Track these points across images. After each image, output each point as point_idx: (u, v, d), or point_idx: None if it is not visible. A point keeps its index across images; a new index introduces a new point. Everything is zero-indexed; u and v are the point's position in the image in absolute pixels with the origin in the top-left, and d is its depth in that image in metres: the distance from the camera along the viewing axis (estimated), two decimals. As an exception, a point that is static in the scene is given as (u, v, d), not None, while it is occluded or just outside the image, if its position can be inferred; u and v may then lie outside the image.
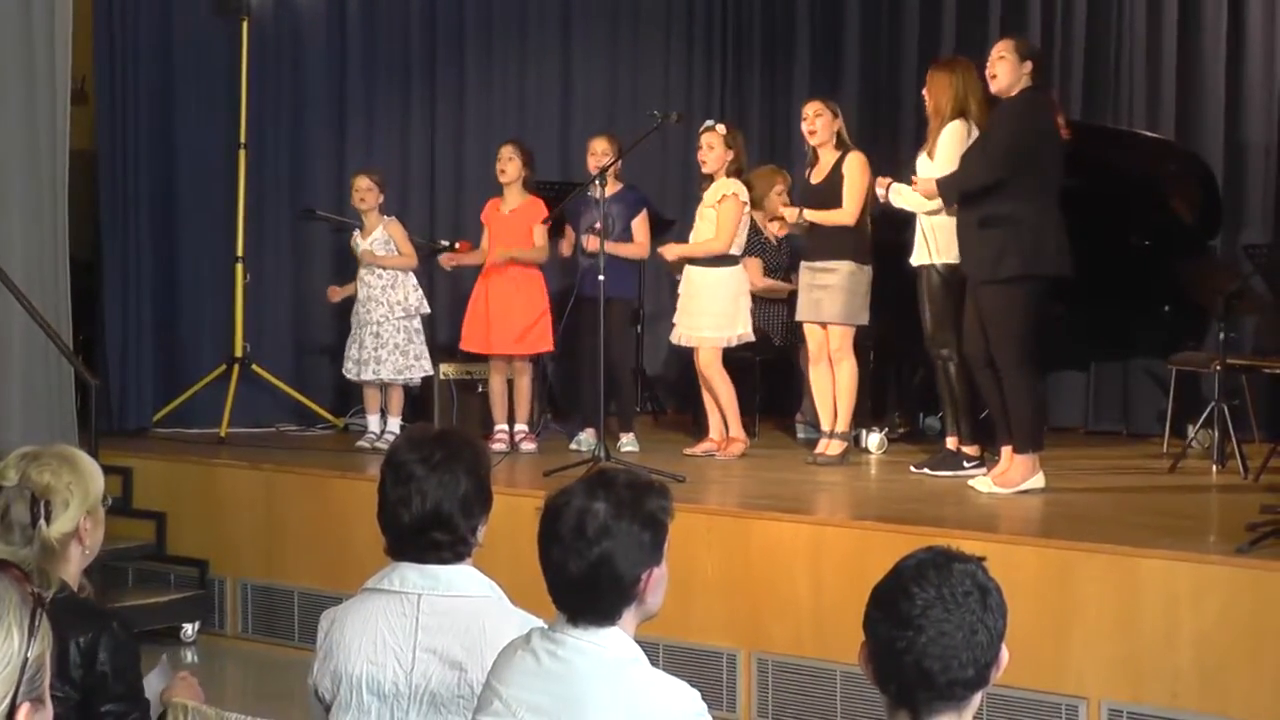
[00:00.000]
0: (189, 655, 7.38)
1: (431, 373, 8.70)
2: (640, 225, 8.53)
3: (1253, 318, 8.94)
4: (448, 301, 9.82)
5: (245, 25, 8.86)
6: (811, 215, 7.81)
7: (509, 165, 8.45)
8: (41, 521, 3.17)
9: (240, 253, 8.87)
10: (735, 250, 8.19)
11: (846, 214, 7.77)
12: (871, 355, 8.64)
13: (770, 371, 9.21)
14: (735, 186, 8.11)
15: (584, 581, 2.81)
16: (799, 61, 11.07)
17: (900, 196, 7.40)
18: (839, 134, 7.92)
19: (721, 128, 8.21)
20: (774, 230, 9.04)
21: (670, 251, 8.30)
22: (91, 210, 8.80)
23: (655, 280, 9.44)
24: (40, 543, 3.17)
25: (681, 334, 8.25)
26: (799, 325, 8.19)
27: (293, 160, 9.39)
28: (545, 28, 10.41)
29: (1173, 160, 8.75)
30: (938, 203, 7.18)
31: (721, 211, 8.07)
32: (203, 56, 8.99)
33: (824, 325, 7.89)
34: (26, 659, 1.86)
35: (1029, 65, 6.87)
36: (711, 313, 8.13)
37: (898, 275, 7.81)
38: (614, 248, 8.21)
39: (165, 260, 8.97)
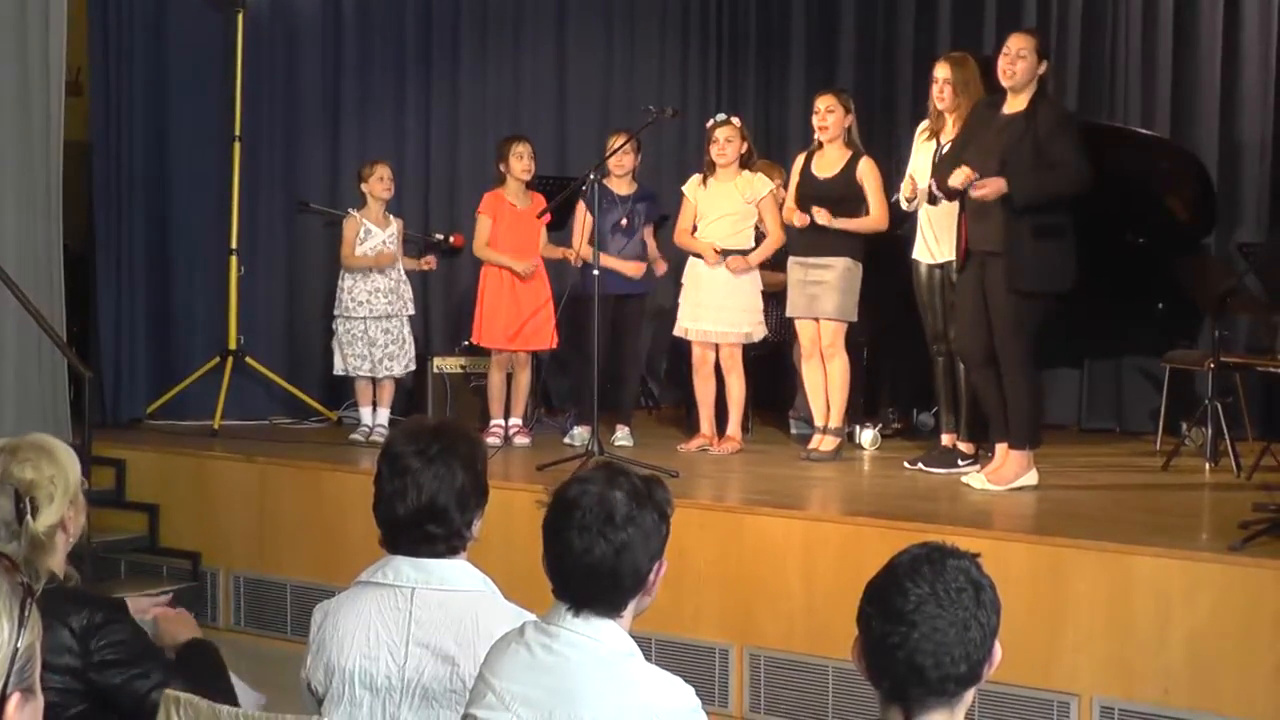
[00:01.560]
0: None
1: (414, 367, 8.69)
2: (649, 231, 8.60)
3: (1246, 316, 8.94)
4: (443, 297, 9.82)
5: (240, 17, 8.85)
6: (844, 223, 7.75)
7: (531, 164, 8.49)
8: (28, 518, 3.16)
9: (234, 245, 8.87)
10: (751, 244, 8.22)
11: (879, 220, 7.76)
12: (865, 351, 8.64)
13: (763, 367, 9.21)
14: (768, 181, 8.17)
15: (605, 569, 2.80)
16: (794, 57, 11.07)
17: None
18: (849, 131, 7.91)
19: (736, 120, 8.21)
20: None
21: (742, 263, 8.13)
22: (85, 202, 8.79)
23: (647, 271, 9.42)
24: (28, 538, 3.16)
25: (705, 329, 8.20)
26: (791, 321, 8.18)
27: (287, 153, 9.38)
28: (540, 22, 10.40)
29: (1167, 158, 8.74)
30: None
31: (767, 209, 8.12)
32: (198, 49, 8.97)
33: (817, 320, 7.88)
34: (16, 649, 1.86)
35: (1044, 66, 6.85)
36: (746, 308, 8.15)
37: (892, 272, 7.81)
38: (621, 264, 8.36)
39: (159, 252, 8.96)
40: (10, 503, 3.15)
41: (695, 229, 8.25)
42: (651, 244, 8.59)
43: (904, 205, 7.62)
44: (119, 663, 3.27)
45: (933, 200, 7.30)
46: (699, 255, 8.21)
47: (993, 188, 6.63)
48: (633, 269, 8.42)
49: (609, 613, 2.84)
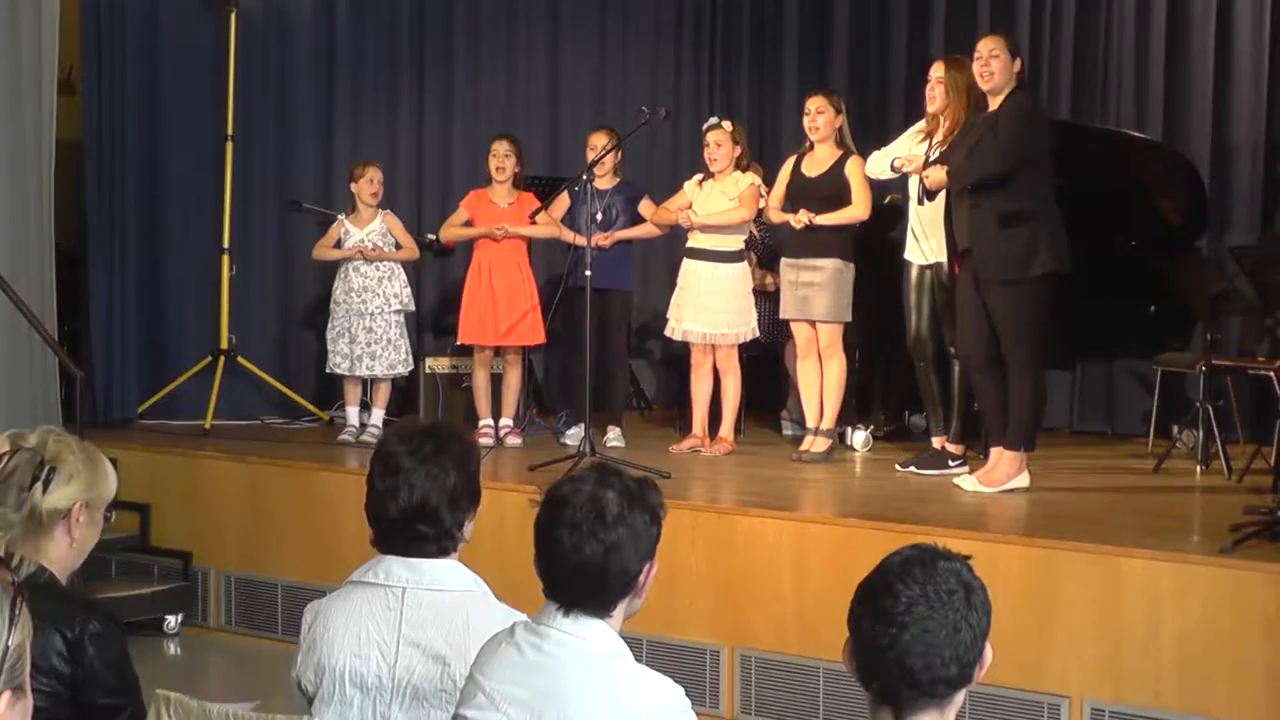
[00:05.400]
0: (172, 647, 7.38)
1: (412, 367, 8.68)
2: (648, 208, 8.55)
3: (1238, 319, 8.94)
4: (436, 296, 9.82)
5: (234, 17, 8.85)
6: (826, 218, 7.76)
7: (507, 162, 8.46)
8: (39, 486, 3.15)
9: (226, 245, 8.86)
10: (740, 246, 8.21)
11: (860, 208, 7.78)
12: (857, 353, 8.64)
13: (755, 368, 9.21)
14: (755, 178, 8.15)
15: (594, 568, 2.80)
16: (787, 58, 11.06)
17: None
18: (840, 131, 7.92)
19: (727, 124, 8.21)
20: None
21: (696, 218, 8.13)
22: (78, 201, 8.78)
23: (642, 272, 9.41)
24: (30, 508, 3.14)
25: (689, 330, 8.21)
26: (784, 322, 8.19)
27: (279, 153, 9.38)
28: (534, 23, 10.40)
29: (1160, 161, 8.75)
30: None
31: (744, 192, 8.09)
32: (191, 48, 8.97)
33: (812, 322, 7.89)
34: (7, 648, 1.86)
35: (1019, 63, 6.87)
36: (730, 310, 8.14)
37: (884, 273, 7.81)
38: (628, 232, 8.44)
39: (151, 252, 8.96)
40: (30, 469, 3.15)
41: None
42: (649, 205, 8.56)
43: (890, 172, 7.58)
44: (103, 684, 3.19)
45: (920, 200, 7.32)
46: (672, 225, 8.36)
47: (935, 175, 6.93)
48: (647, 232, 8.51)
49: (598, 613, 2.84)
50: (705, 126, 8.25)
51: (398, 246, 8.58)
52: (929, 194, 7.16)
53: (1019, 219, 6.67)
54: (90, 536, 3.31)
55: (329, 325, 8.53)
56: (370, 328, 8.42)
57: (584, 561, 2.80)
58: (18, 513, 3.14)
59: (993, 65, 6.79)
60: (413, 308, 8.65)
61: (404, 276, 8.56)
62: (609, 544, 2.80)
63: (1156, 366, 8.73)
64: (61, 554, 3.27)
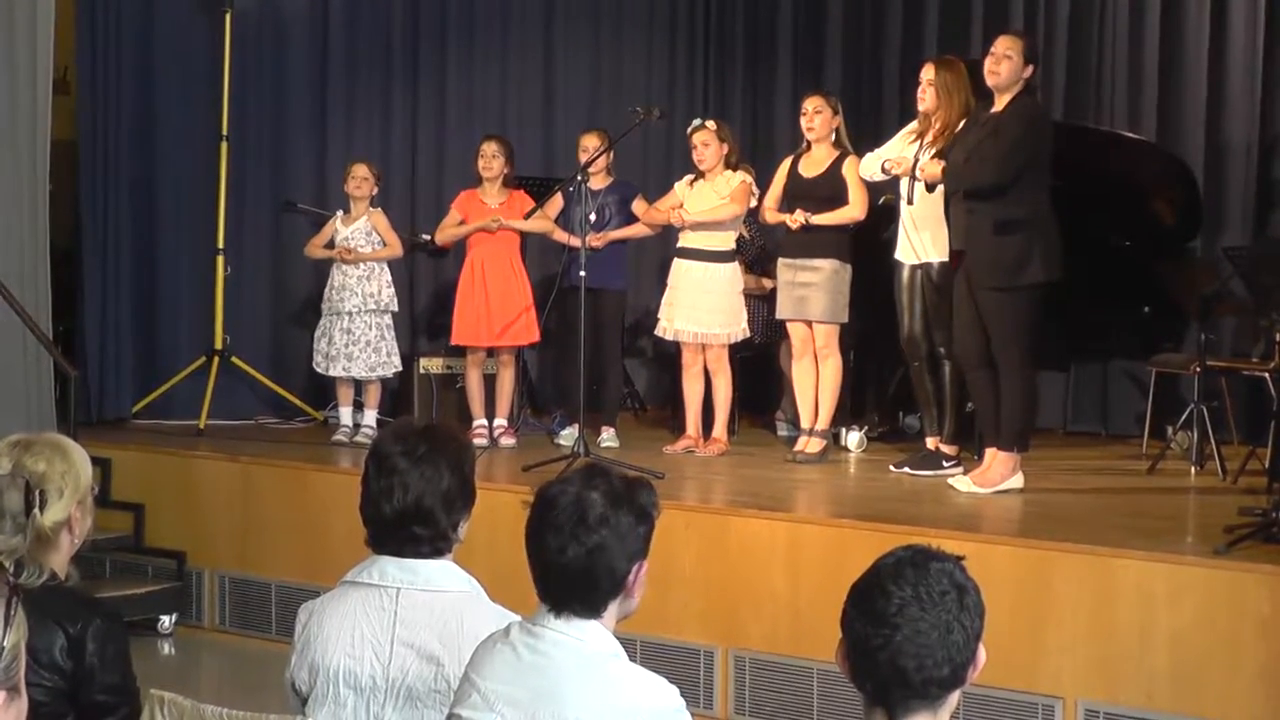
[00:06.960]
0: (166, 648, 7.37)
1: (400, 369, 8.67)
2: (641, 207, 8.55)
3: (1231, 320, 8.95)
4: (429, 296, 9.82)
5: (228, 17, 8.84)
6: (822, 218, 7.77)
7: (494, 163, 8.46)
8: (36, 510, 3.15)
9: (221, 245, 8.86)
10: (731, 246, 8.20)
11: (857, 209, 7.78)
12: (852, 354, 8.64)
13: (749, 369, 9.21)
14: (745, 175, 8.15)
15: (579, 570, 2.80)
16: (781, 59, 11.06)
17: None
18: (837, 131, 7.92)
19: (711, 124, 8.21)
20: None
21: (688, 216, 8.15)
22: (72, 201, 8.77)
23: (634, 272, 9.40)
24: (34, 532, 3.15)
25: (680, 330, 8.21)
26: (778, 323, 8.19)
27: (274, 152, 9.38)
28: (528, 22, 10.39)
29: (1153, 161, 8.75)
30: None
31: (735, 189, 8.09)
32: (185, 48, 8.96)
33: (809, 323, 7.89)
34: (2, 648, 1.86)
35: (1030, 69, 6.86)
36: (720, 309, 8.14)
37: (879, 273, 7.81)
38: (621, 232, 8.45)
39: (145, 251, 8.95)
40: (20, 495, 3.14)
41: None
42: (642, 205, 8.57)
43: (881, 174, 7.58)
44: (101, 681, 3.19)
45: (909, 199, 7.32)
46: (664, 225, 8.38)
47: (931, 169, 6.97)
48: (640, 231, 8.54)
49: (588, 614, 2.84)
50: (689, 129, 8.25)
51: (384, 245, 8.58)
52: (928, 187, 7.17)
53: (1013, 227, 6.67)
54: (87, 524, 3.34)
55: (318, 325, 8.55)
56: (349, 329, 8.41)
57: (568, 563, 2.81)
58: (18, 536, 3.14)
59: (1003, 65, 6.79)
60: (395, 307, 8.62)
61: (387, 276, 8.54)
62: (590, 546, 2.80)
63: (1151, 367, 8.74)
64: (66, 554, 3.29)
